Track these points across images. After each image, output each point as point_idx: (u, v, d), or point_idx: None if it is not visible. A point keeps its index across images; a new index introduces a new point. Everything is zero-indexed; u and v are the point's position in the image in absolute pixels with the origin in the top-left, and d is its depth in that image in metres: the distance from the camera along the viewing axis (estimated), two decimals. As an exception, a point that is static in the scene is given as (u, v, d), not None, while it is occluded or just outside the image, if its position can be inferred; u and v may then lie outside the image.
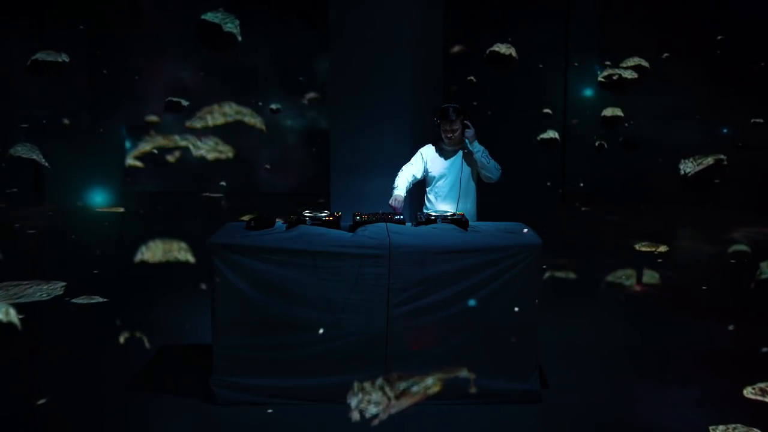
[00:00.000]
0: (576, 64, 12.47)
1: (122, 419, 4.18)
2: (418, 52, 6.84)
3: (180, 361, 4.99)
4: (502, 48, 5.03)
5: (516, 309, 4.25)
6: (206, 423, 4.13)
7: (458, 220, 4.60)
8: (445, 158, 5.26)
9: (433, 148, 5.32)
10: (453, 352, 4.24)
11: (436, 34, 7.28)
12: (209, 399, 4.26)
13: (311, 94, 6.03)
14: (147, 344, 5.02)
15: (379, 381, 2.36)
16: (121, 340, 5.20)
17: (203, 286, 4.36)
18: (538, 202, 11.50)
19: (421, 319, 4.24)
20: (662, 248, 5.24)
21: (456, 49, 6.30)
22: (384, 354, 4.22)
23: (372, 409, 2.25)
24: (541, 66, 12.03)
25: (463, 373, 4.20)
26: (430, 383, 2.40)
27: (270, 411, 4.18)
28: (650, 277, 7.13)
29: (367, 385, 2.35)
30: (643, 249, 5.31)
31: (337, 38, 6.83)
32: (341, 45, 6.82)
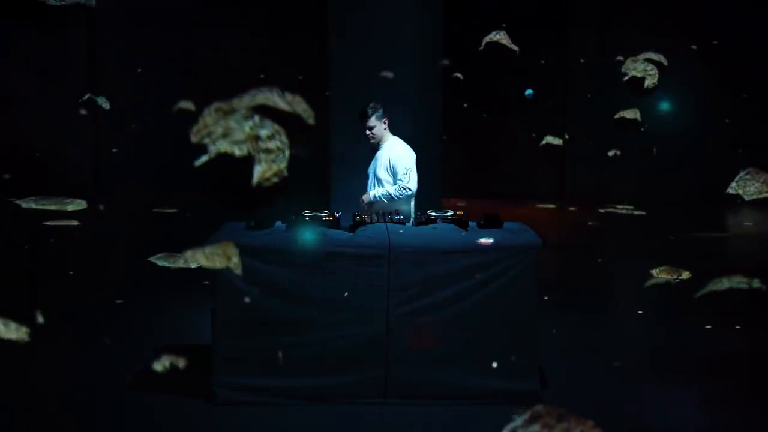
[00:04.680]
0: (582, 60, 12.02)
1: (122, 419, 4.18)
2: (419, 51, 6.82)
3: (180, 361, 4.97)
4: (499, 37, 4.87)
5: (516, 309, 4.24)
6: (206, 423, 4.12)
7: (458, 220, 4.59)
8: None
9: None
10: (453, 352, 4.25)
11: (437, 32, 7.27)
12: (209, 399, 4.26)
13: (456, 74, 5.90)
14: (172, 361, 4.91)
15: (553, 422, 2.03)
16: (121, 340, 5.20)
17: (203, 286, 4.37)
18: (540, 206, 11.41)
19: (421, 319, 4.24)
20: (685, 275, 4.86)
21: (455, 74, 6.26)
22: (384, 354, 4.23)
23: None
24: (543, 62, 11.60)
25: (464, 373, 4.21)
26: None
27: (270, 411, 4.18)
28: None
29: (543, 411, 2.04)
30: (662, 276, 5.01)
31: (337, 37, 6.82)
32: (342, 44, 6.81)
